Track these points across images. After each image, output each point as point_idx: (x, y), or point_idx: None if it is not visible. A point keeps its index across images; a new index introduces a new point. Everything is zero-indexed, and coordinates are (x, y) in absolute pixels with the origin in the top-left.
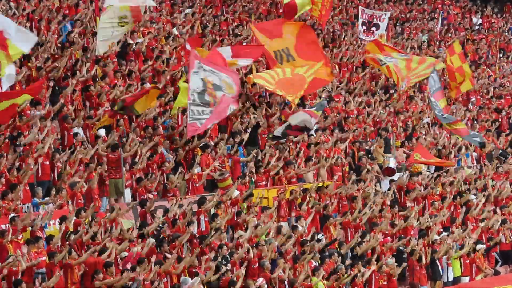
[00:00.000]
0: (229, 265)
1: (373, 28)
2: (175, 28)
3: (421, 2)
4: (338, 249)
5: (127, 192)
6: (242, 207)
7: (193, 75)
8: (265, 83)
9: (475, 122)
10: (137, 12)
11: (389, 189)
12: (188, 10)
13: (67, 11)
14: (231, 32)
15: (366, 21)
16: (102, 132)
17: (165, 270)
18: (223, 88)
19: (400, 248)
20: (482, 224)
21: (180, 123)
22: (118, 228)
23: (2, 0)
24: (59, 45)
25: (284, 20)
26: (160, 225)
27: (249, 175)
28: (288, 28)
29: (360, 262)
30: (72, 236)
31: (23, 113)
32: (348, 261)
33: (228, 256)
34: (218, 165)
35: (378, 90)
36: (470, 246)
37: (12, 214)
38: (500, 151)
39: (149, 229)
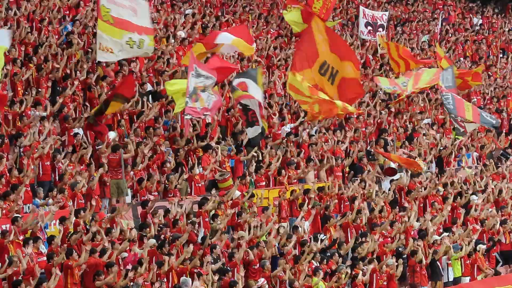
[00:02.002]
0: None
1: (380, 29)
2: (182, 32)
3: (421, 3)
4: (338, 249)
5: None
6: (243, 207)
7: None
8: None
9: None
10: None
11: (389, 189)
12: (188, 11)
13: (68, 12)
14: None
15: (371, 22)
16: (112, 135)
17: (165, 271)
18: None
19: (400, 249)
20: (482, 225)
21: (181, 124)
22: (118, 228)
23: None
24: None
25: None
26: (161, 225)
27: (250, 175)
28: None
29: (361, 262)
30: (73, 237)
31: (23, 114)
32: (348, 262)
33: (220, 255)
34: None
35: (379, 90)
36: (471, 246)
37: (15, 215)
38: (501, 151)
39: (150, 235)
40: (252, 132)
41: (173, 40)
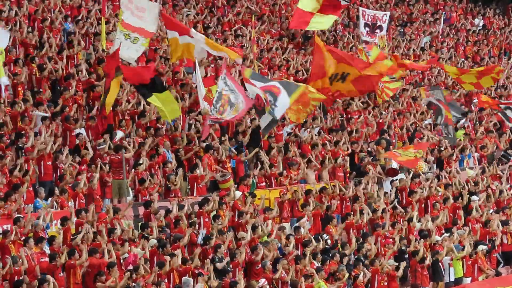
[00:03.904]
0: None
1: (377, 30)
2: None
3: (423, 4)
4: (341, 250)
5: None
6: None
7: (219, 81)
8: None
9: (476, 123)
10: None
11: (390, 190)
12: (190, 11)
13: (69, 12)
14: (233, 33)
15: (370, 23)
16: (120, 134)
17: (166, 272)
18: (233, 108)
19: (402, 248)
20: (484, 226)
21: (182, 124)
22: (119, 228)
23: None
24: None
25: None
26: (163, 226)
27: (251, 176)
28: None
29: (361, 263)
30: (76, 237)
31: (25, 114)
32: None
33: (223, 256)
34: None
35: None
36: (472, 247)
37: (17, 215)
38: (502, 152)
39: (152, 237)
40: (264, 119)
41: None
